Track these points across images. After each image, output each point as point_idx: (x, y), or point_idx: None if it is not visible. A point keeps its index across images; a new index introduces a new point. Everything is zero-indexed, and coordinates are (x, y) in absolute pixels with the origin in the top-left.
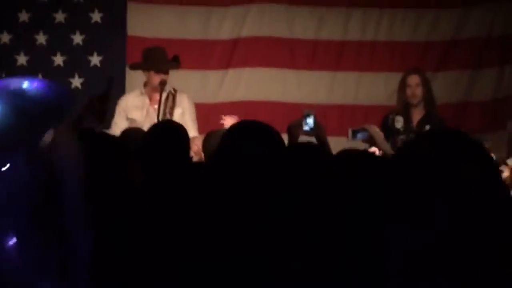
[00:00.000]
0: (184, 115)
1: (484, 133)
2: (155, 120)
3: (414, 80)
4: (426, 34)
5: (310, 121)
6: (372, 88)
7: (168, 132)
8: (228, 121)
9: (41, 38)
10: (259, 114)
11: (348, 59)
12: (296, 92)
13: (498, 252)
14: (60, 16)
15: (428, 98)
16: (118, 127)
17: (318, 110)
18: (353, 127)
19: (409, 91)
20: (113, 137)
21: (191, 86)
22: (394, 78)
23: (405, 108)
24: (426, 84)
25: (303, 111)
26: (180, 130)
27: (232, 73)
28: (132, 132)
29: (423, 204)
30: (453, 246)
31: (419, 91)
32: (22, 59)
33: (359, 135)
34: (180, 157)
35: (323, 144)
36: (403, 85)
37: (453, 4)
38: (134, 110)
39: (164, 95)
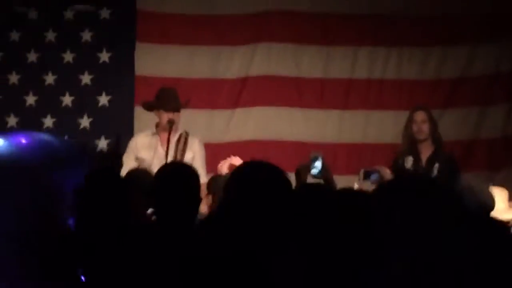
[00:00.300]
0: (194, 159)
1: (492, 170)
2: (164, 161)
3: (420, 116)
4: (434, 71)
5: (318, 164)
6: (381, 126)
7: (180, 172)
8: (225, 165)
9: (50, 78)
10: (267, 153)
11: (356, 97)
12: (304, 130)
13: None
14: (68, 56)
15: (435, 135)
16: (126, 166)
17: (326, 149)
18: (365, 168)
19: (415, 127)
20: (116, 173)
21: (199, 125)
22: (402, 116)
23: (412, 146)
24: (432, 121)
25: (310, 154)
26: (192, 172)
27: (240, 112)
28: (137, 172)
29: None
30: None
31: (425, 127)
32: (31, 99)
33: (372, 176)
34: (191, 198)
35: (329, 186)
36: (409, 122)
37: (461, 41)
38: (143, 150)
39: (176, 136)
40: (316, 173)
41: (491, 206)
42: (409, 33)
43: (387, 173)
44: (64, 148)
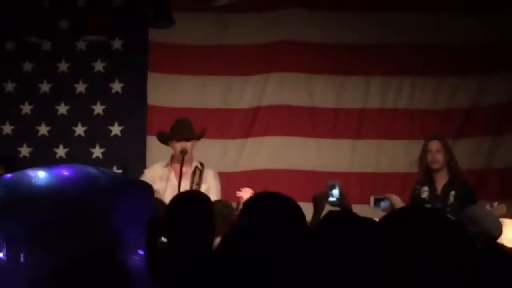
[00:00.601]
0: (209, 191)
1: (505, 199)
2: (176, 191)
3: (434, 145)
4: (446, 101)
5: (336, 192)
6: (393, 156)
7: (193, 200)
8: (245, 195)
9: (62, 109)
10: (279, 183)
11: (368, 127)
12: (317, 160)
13: None
14: (80, 87)
15: (450, 164)
16: None
17: (339, 178)
18: (375, 195)
19: (429, 157)
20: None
21: (212, 155)
22: (414, 146)
23: (427, 175)
24: (447, 150)
25: (327, 182)
26: (206, 201)
27: (252, 141)
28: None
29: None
30: None
31: (439, 157)
32: (43, 130)
33: (382, 204)
34: (205, 226)
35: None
36: (424, 152)
37: (472, 71)
38: (157, 181)
39: (191, 168)
40: (334, 201)
41: (495, 234)
42: (421, 62)
43: (397, 201)
44: (109, 179)
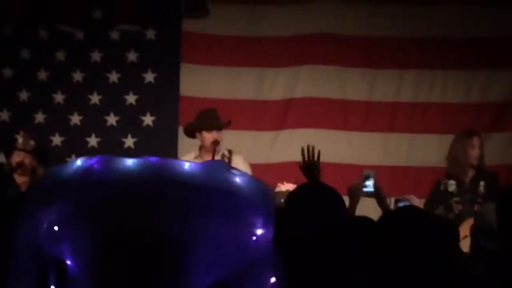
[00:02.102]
0: None
1: None
2: None
3: (477, 141)
4: (479, 95)
5: (370, 183)
6: (425, 150)
7: None
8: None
9: (95, 98)
10: None
11: (400, 121)
12: (348, 153)
13: None
14: (113, 76)
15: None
16: None
17: None
18: (396, 196)
19: (473, 152)
20: None
21: (243, 147)
22: (447, 140)
23: (458, 170)
24: (482, 146)
25: (362, 172)
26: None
27: (284, 133)
28: None
29: None
30: None
31: (478, 153)
32: (76, 119)
33: (400, 204)
34: None
35: (383, 206)
36: (464, 146)
37: (506, 64)
38: None
39: (218, 158)
40: (369, 191)
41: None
42: (454, 56)
43: (417, 202)
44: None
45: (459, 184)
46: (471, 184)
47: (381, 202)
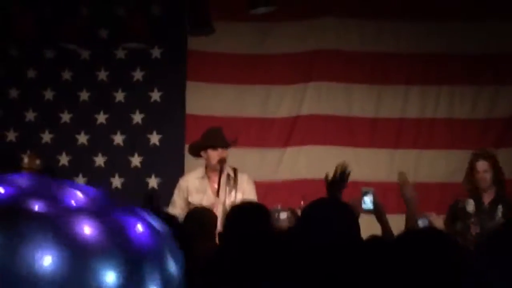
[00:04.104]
0: (244, 198)
1: None
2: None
3: (482, 166)
4: (485, 110)
5: (369, 200)
6: (432, 166)
7: (251, 213)
8: None
9: (101, 117)
10: (318, 193)
11: (407, 137)
12: (355, 170)
13: None
14: (119, 95)
15: (498, 180)
16: (176, 206)
17: (377, 188)
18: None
19: (477, 176)
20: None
21: (249, 164)
22: (454, 155)
23: (475, 190)
24: (495, 168)
25: (361, 189)
26: (263, 210)
27: (290, 151)
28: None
29: None
30: None
31: (488, 176)
32: (83, 138)
33: (420, 222)
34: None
35: (382, 223)
36: (471, 170)
37: None
38: (194, 193)
39: (223, 178)
40: (367, 208)
41: None
42: (460, 72)
43: (436, 219)
44: None
45: (478, 204)
46: (489, 206)
47: (381, 219)
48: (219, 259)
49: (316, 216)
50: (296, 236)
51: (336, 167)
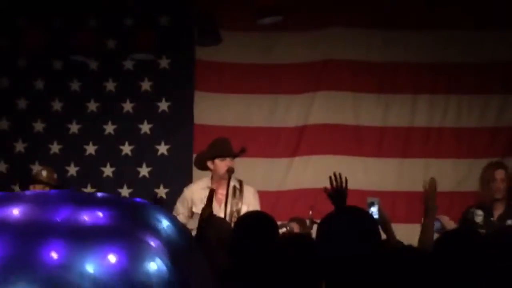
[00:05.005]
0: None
1: None
2: (220, 214)
3: (500, 174)
4: (493, 120)
5: (374, 210)
6: (440, 175)
7: (260, 224)
8: None
9: (109, 128)
10: (326, 202)
11: (415, 146)
12: (364, 179)
13: None
14: (127, 106)
15: (509, 193)
16: (179, 214)
17: (385, 197)
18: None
19: (494, 185)
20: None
21: (257, 174)
22: (461, 165)
23: (488, 202)
24: (509, 178)
25: (366, 200)
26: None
27: (298, 160)
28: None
29: None
30: None
31: (503, 186)
32: (90, 149)
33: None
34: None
35: (387, 233)
36: (487, 180)
37: None
38: (199, 204)
39: (230, 190)
40: None
41: None
42: (468, 80)
43: (449, 223)
44: None
45: (487, 216)
46: (498, 219)
47: (386, 228)
48: (229, 270)
49: (336, 229)
50: (319, 248)
51: (330, 179)
